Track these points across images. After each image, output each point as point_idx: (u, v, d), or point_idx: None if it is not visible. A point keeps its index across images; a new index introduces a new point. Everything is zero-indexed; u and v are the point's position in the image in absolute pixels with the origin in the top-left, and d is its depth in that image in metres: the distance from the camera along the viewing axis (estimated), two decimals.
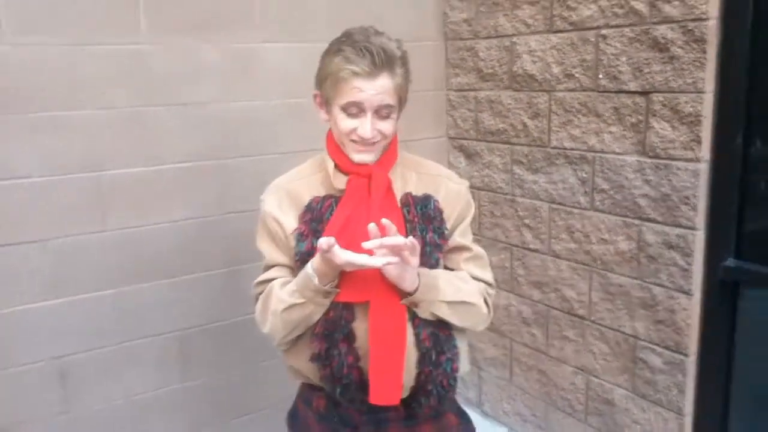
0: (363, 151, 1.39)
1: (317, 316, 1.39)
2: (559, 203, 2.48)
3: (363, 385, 1.40)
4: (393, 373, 1.36)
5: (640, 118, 2.14)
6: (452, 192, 1.51)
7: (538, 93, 2.49)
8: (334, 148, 1.45)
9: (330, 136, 1.47)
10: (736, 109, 1.95)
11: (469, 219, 1.55)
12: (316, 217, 1.42)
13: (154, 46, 2.25)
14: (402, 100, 1.43)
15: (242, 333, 2.58)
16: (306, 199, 1.45)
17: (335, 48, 1.37)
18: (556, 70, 2.40)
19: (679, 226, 2.07)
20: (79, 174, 2.19)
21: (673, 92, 2.03)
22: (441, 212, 1.46)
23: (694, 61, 1.97)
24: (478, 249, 1.56)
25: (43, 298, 2.19)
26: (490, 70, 2.68)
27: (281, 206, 1.47)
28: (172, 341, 2.45)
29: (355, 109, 1.35)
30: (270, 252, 1.51)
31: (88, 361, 2.30)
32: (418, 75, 2.79)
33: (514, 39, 2.55)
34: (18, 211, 2.11)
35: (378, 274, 1.33)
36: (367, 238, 1.25)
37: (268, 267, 1.53)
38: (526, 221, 2.64)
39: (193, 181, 2.39)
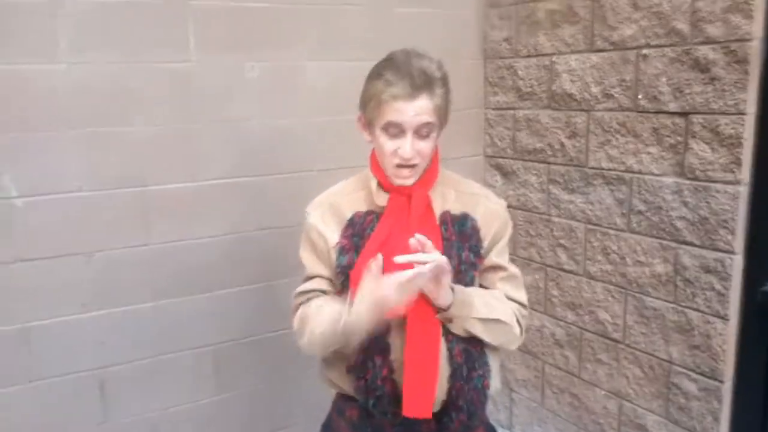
0: (404, 177, 1.43)
1: (354, 344, 1.41)
2: (596, 224, 2.46)
3: (396, 398, 1.42)
4: (426, 386, 1.39)
5: (680, 139, 2.11)
6: (490, 211, 1.53)
7: (577, 112, 2.48)
8: (377, 167, 1.49)
9: (373, 154, 1.52)
10: None
11: (506, 239, 1.57)
12: (357, 232, 1.47)
13: (200, 64, 2.31)
14: (442, 121, 1.46)
15: (276, 347, 2.61)
16: (348, 214, 1.50)
17: (377, 72, 1.42)
18: (595, 89, 2.39)
19: (717, 249, 2.04)
20: (124, 189, 2.25)
21: (714, 113, 2.00)
22: (478, 231, 1.48)
23: (735, 82, 1.94)
24: (513, 269, 1.57)
25: (86, 310, 2.25)
26: (529, 89, 2.69)
27: (325, 220, 1.53)
28: (207, 354, 2.49)
29: (395, 130, 1.39)
30: (311, 263, 1.56)
31: (127, 372, 2.35)
32: (457, 93, 2.81)
33: (554, 58, 2.55)
34: (66, 224, 2.17)
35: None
36: (405, 253, 1.29)
37: (309, 278, 1.58)
38: (562, 241, 2.62)
39: (232, 196, 2.44)
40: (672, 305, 2.19)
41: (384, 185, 1.48)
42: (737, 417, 2.09)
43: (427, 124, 1.39)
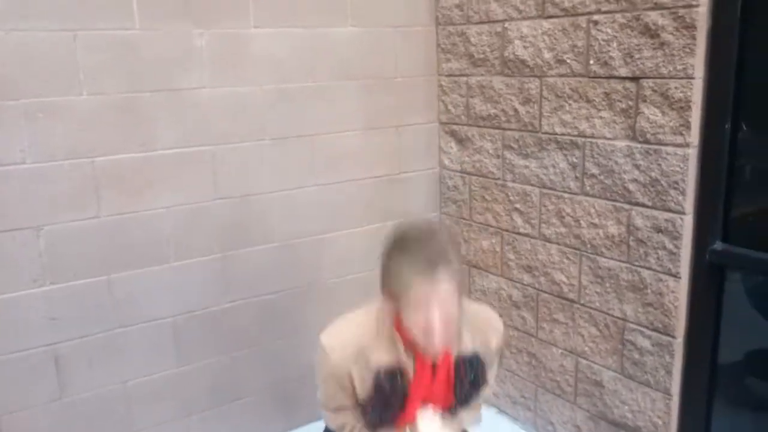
0: (435, 346, 1.47)
1: None
2: (550, 188, 2.51)
3: None
4: None
5: (631, 103, 2.16)
6: (496, 345, 1.70)
7: (530, 78, 2.50)
8: (403, 329, 1.52)
9: (398, 321, 1.53)
10: (725, 95, 1.98)
11: (498, 361, 1.79)
12: (380, 391, 1.58)
13: (146, 32, 2.24)
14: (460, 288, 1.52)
15: (234, 318, 2.60)
16: (373, 361, 1.57)
17: (399, 249, 1.46)
18: (547, 55, 2.42)
19: (668, 210, 2.10)
20: (72, 160, 2.19)
21: (663, 78, 2.05)
22: (485, 367, 1.66)
23: (684, 47, 1.99)
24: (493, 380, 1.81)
25: (38, 285, 2.19)
26: (482, 56, 2.69)
27: (349, 365, 1.57)
28: (166, 327, 2.46)
29: (425, 309, 1.43)
30: (338, 397, 1.63)
31: (82, 347, 2.30)
32: (410, 60, 2.84)
33: (506, 24, 2.56)
34: (11, 198, 2.10)
35: None
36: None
37: (338, 409, 1.66)
38: (517, 206, 2.66)
39: (184, 166, 2.40)
40: (625, 265, 2.26)
41: (407, 347, 1.55)
42: (688, 370, 2.19)
43: (455, 307, 1.45)
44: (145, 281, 2.39)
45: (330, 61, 2.64)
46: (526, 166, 2.59)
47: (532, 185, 2.59)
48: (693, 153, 2.04)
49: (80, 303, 2.27)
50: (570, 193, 2.43)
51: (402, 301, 1.45)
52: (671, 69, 2.03)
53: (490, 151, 2.75)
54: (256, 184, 2.56)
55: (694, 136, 2.03)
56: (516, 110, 2.59)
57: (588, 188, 2.36)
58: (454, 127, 2.91)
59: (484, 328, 1.67)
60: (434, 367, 1.56)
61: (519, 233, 2.67)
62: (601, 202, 2.32)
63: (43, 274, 2.19)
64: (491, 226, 2.81)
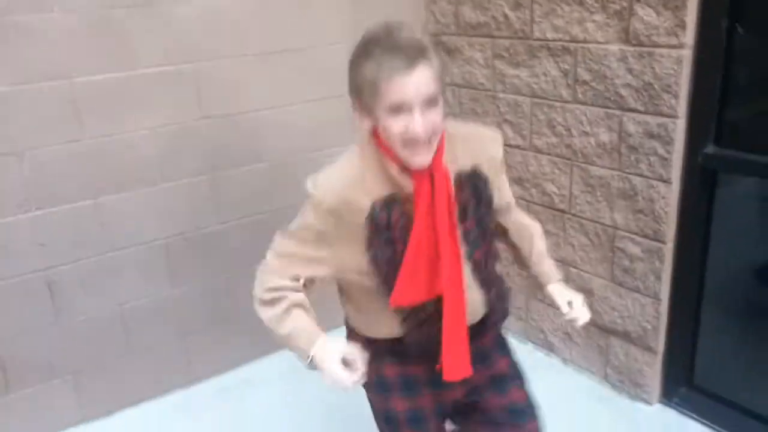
0: (419, 154, 1.31)
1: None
2: (542, 97, 2.46)
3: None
4: (462, 351, 1.44)
5: (624, 4, 2.08)
6: (494, 157, 1.48)
7: None
8: (389, 151, 1.35)
9: (376, 137, 1.38)
10: None
11: (504, 171, 1.58)
12: (383, 227, 1.37)
13: None
14: (443, 87, 1.36)
15: (226, 240, 2.59)
16: (365, 203, 1.37)
17: (362, 54, 1.30)
18: None
19: (661, 114, 2.07)
20: (49, 82, 2.12)
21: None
22: (488, 183, 1.44)
23: None
24: (510, 193, 1.65)
25: (24, 210, 2.17)
26: None
27: (342, 211, 1.38)
28: (156, 249, 2.46)
29: (401, 110, 1.27)
30: (303, 257, 1.44)
31: (75, 272, 2.31)
32: None
33: None
34: None
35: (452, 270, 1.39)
36: (434, 246, 1.36)
37: (287, 257, 1.47)
38: (508, 117, 2.62)
39: (167, 86, 2.33)
40: (617, 173, 2.25)
41: (402, 169, 1.35)
42: (678, 275, 2.21)
43: (432, 95, 1.28)
44: (134, 204, 2.36)
45: None
46: (517, 76, 2.53)
47: (523, 95, 2.53)
48: (687, 54, 1.98)
49: (68, 228, 2.26)
50: (561, 101, 2.38)
51: (377, 110, 1.30)
52: None
53: (480, 62, 2.68)
54: (242, 102, 2.50)
55: (689, 36, 1.97)
56: (506, 16, 2.50)
57: (580, 96, 2.31)
58: (443, 37, 2.82)
59: (479, 141, 1.48)
60: (432, 180, 1.35)
61: (510, 145, 2.64)
62: (593, 109, 2.27)
63: (28, 199, 2.17)
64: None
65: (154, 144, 2.35)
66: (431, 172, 1.35)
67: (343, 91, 2.64)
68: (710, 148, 2.04)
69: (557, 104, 2.40)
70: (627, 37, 2.10)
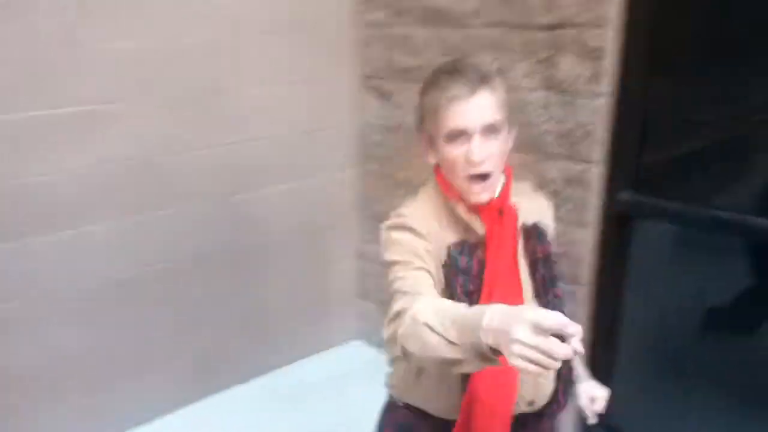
0: (479, 192, 1.26)
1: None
2: None
3: None
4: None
5: (549, 53, 2.14)
6: (550, 219, 1.44)
7: (452, 29, 2.45)
8: (452, 191, 1.31)
9: (440, 177, 1.34)
10: (639, 45, 1.98)
11: None
12: (461, 272, 1.28)
13: None
14: (509, 119, 1.30)
15: (144, 288, 2.45)
16: (443, 245, 1.29)
17: (429, 83, 1.29)
18: (468, 5, 2.37)
19: (581, 161, 2.10)
20: None
21: (580, 26, 2.04)
22: (551, 242, 1.39)
23: None
24: None
25: None
26: (403, 6, 2.63)
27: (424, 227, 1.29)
28: (69, 301, 2.30)
29: (460, 137, 1.23)
30: (411, 255, 1.26)
31: None
32: (330, 12, 2.72)
33: None
34: None
35: None
36: (511, 280, 1.27)
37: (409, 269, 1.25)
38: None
39: (86, 126, 2.23)
40: None
41: (470, 208, 1.30)
42: (594, 317, 2.22)
43: (492, 123, 1.23)
44: (48, 249, 2.21)
45: (242, 12, 2.49)
46: None
47: None
48: (605, 103, 2.03)
49: None
50: None
51: (438, 139, 1.25)
52: (588, 18, 2.01)
53: (412, 106, 2.69)
54: (159, 144, 2.38)
55: (608, 85, 2.02)
56: (439, 62, 2.54)
57: None
58: (376, 81, 2.84)
59: (537, 200, 1.43)
60: (500, 214, 1.28)
61: None
62: (518, 155, 2.30)
63: None
64: (414, 184, 2.75)
65: (69, 187, 2.21)
66: (500, 208, 1.28)
67: (266, 133, 2.57)
68: (626, 194, 2.08)
69: None
70: (551, 84, 2.15)
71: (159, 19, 2.29)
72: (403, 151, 2.76)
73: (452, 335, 1.00)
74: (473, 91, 1.21)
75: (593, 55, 2.01)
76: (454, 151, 1.24)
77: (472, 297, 1.25)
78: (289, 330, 2.95)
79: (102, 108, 2.23)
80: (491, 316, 0.94)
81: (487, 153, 1.23)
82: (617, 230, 2.11)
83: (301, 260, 2.91)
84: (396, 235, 1.28)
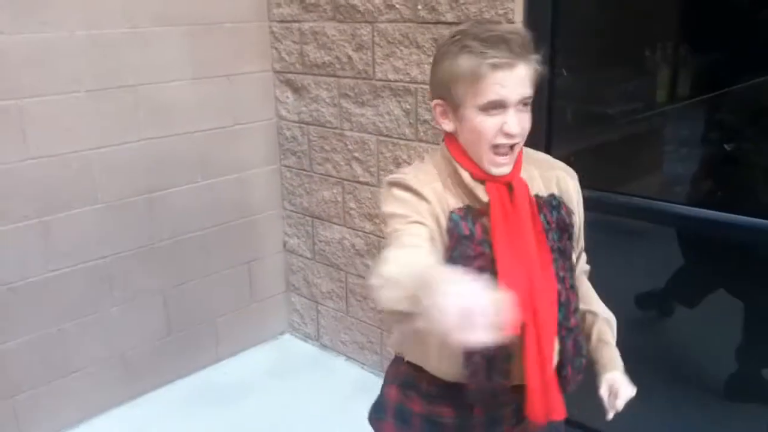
0: (503, 164, 1.21)
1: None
2: (386, 135, 2.52)
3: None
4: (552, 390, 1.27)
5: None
6: (572, 189, 1.35)
7: (362, 24, 2.47)
8: (464, 157, 1.25)
9: (452, 143, 1.27)
10: (544, 40, 2.05)
11: (583, 218, 1.39)
12: (463, 238, 1.23)
13: None
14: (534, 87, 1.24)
15: (58, 288, 2.40)
16: (446, 210, 1.24)
17: (456, 47, 1.18)
18: (377, 1, 2.39)
19: None
20: None
21: (489, 23, 2.10)
22: (571, 215, 1.32)
23: None
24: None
25: None
26: (313, 1, 2.62)
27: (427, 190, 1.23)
28: None
29: (496, 109, 1.17)
30: (409, 211, 1.21)
31: None
32: (240, 6, 2.69)
33: None
34: None
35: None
36: (527, 250, 1.20)
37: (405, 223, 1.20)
38: (356, 154, 2.66)
39: None
40: None
41: (476, 176, 1.25)
42: None
43: (528, 97, 1.18)
44: None
45: (151, 6, 2.45)
46: (363, 114, 2.58)
47: (369, 133, 2.58)
48: None
49: None
50: (405, 139, 2.46)
51: (467, 108, 1.19)
52: (493, 13, 2.07)
53: (327, 100, 2.71)
54: (73, 140, 2.35)
55: None
56: (350, 57, 2.55)
57: (422, 134, 2.39)
58: (289, 75, 2.83)
59: (553, 169, 1.35)
60: (510, 189, 1.24)
61: (359, 182, 2.67)
62: (435, 146, 2.36)
63: None
64: (332, 177, 2.79)
65: None
66: (509, 182, 1.24)
67: (182, 130, 2.57)
68: None
69: (401, 142, 2.47)
70: None
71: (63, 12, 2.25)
72: (320, 145, 2.78)
73: (405, 287, 0.97)
74: (515, 62, 1.15)
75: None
76: (489, 121, 1.18)
77: (471, 262, 1.21)
78: (218, 327, 2.95)
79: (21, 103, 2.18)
80: (439, 276, 0.93)
81: (522, 126, 1.20)
82: None
83: (227, 256, 2.90)
84: (397, 191, 1.24)
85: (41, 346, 2.40)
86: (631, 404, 1.29)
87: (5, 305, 2.28)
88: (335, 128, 2.71)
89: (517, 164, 1.26)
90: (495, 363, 1.24)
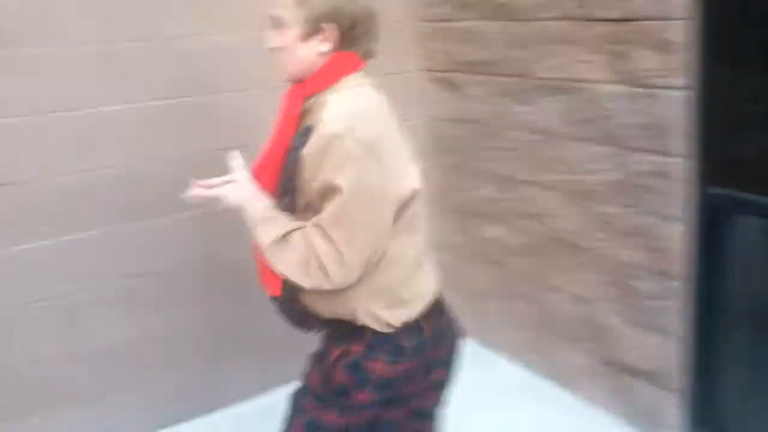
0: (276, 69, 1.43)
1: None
2: (545, 134, 2.45)
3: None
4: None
5: (622, 46, 2.08)
6: (321, 141, 1.30)
7: (519, 22, 2.42)
8: None
9: None
10: (721, 36, 1.91)
11: (334, 159, 1.28)
12: None
13: None
14: (310, 21, 1.35)
15: None
16: None
17: None
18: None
19: (665, 154, 2.06)
20: (59, 113, 2.12)
21: (656, 20, 1.97)
22: (301, 159, 1.33)
23: None
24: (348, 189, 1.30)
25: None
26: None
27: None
28: None
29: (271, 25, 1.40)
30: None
31: None
32: (393, 6, 2.70)
33: None
34: (10, 151, 2.06)
35: None
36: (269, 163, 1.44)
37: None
38: (514, 153, 2.61)
39: (171, 119, 2.32)
40: (624, 210, 2.24)
41: None
42: (693, 312, 2.17)
43: (277, 17, 1.37)
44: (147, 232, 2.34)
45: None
46: (521, 113, 2.53)
47: (527, 131, 2.52)
48: (683, 96, 1.98)
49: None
50: (567, 139, 2.37)
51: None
52: (664, 10, 1.95)
53: (483, 98, 2.68)
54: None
55: (688, 78, 1.96)
56: (507, 55, 2.51)
57: (584, 134, 2.30)
58: (445, 74, 2.82)
59: (321, 111, 1.34)
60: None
61: (517, 180, 2.62)
62: (597, 148, 2.27)
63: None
64: (489, 174, 2.75)
65: (158, 175, 2.31)
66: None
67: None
68: (715, 189, 2.02)
69: (562, 142, 2.39)
70: (627, 78, 2.10)
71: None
72: (477, 143, 2.74)
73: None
74: None
75: (670, 47, 1.95)
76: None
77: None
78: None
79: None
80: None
81: (272, 44, 1.40)
82: (708, 224, 2.06)
83: None
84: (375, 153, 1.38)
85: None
86: None
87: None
88: (492, 126, 2.67)
89: (306, 86, 1.39)
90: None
